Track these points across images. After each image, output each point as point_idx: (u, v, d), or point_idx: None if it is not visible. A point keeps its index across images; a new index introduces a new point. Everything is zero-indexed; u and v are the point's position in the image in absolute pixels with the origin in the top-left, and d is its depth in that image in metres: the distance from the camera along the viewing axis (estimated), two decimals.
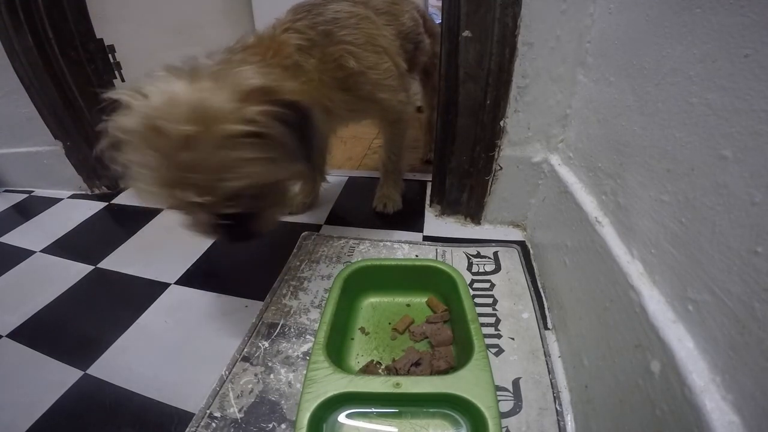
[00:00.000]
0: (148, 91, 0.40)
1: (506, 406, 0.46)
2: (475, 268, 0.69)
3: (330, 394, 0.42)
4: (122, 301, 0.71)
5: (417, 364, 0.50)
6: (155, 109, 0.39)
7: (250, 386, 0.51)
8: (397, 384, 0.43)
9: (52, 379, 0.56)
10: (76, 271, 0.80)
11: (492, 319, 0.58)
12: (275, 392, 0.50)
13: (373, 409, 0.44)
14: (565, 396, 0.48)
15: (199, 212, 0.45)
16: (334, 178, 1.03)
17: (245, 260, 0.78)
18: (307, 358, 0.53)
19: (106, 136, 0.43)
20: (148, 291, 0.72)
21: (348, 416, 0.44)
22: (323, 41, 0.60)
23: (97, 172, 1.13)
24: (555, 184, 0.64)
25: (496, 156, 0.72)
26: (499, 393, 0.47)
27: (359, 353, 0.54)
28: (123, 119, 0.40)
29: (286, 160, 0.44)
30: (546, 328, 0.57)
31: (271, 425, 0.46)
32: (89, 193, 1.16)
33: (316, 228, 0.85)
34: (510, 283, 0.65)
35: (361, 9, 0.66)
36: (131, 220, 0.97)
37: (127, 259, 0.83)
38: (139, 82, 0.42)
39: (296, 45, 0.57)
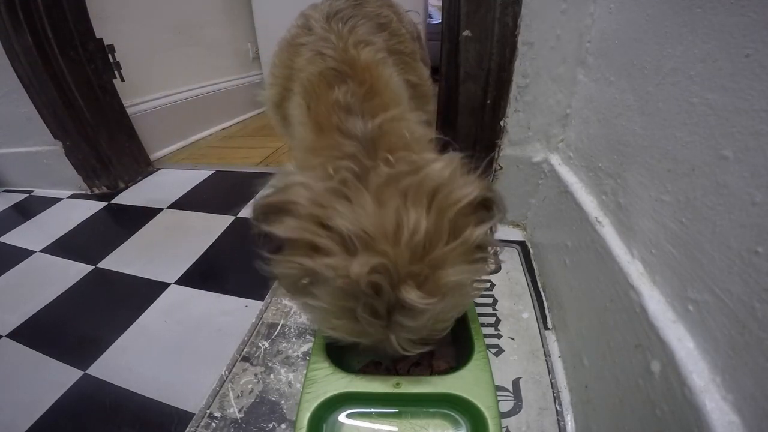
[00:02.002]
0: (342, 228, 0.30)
1: (506, 406, 0.46)
2: None
3: (330, 394, 0.42)
4: (122, 301, 0.71)
5: (417, 364, 0.50)
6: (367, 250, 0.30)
7: (250, 386, 0.51)
8: (397, 384, 0.43)
9: (52, 379, 0.56)
10: (76, 271, 0.80)
11: (492, 319, 0.58)
12: (275, 392, 0.50)
13: (373, 409, 0.44)
14: (565, 396, 0.48)
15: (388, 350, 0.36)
16: None
17: (245, 260, 0.78)
18: (307, 358, 0.53)
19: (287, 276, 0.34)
20: (148, 291, 0.71)
21: (348, 416, 0.44)
22: (388, 51, 0.51)
23: (96, 171, 1.13)
24: (555, 183, 0.64)
25: (496, 156, 0.72)
26: (499, 393, 0.47)
27: (359, 353, 0.54)
28: (336, 261, 0.31)
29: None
30: (546, 328, 0.57)
31: (271, 425, 0.46)
32: (89, 193, 1.16)
33: None
34: (510, 283, 0.65)
35: (387, 10, 0.59)
36: (131, 220, 0.97)
37: (126, 259, 0.83)
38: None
39: (378, 64, 0.46)
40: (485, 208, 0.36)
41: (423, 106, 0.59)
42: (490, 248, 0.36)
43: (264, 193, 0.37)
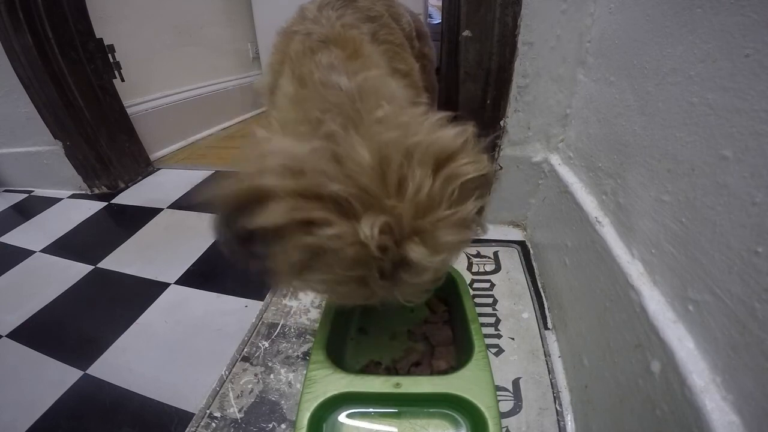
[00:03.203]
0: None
1: (506, 406, 0.46)
2: (475, 268, 0.69)
3: (330, 394, 0.42)
4: (122, 301, 0.71)
5: (417, 364, 0.50)
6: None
7: (250, 386, 0.51)
8: (397, 384, 0.43)
9: (52, 379, 0.56)
10: (76, 271, 0.80)
11: (492, 319, 0.58)
12: (275, 392, 0.50)
13: (373, 409, 0.44)
14: (565, 396, 0.48)
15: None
16: None
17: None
18: (307, 358, 0.53)
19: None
20: (148, 291, 0.71)
21: (348, 416, 0.44)
22: (374, 38, 0.52)
23: (96, 171, 1.13)
24: (555, 183, 0.64)
25: (496, 156, 0.72)
26: (499, 393, 0.47)
27: (359, 353, 0.54)
28: (339, 228, 0.28)
29: None
30: (546, 328, 0.57)
31: (271, 425, 0.46)
32: (89, 192, 1.16)
33: None
34: (510, 283, 0.65)
35: (381, 7, 0.60)
36: (131, 220, 0.97)
37: (126, 259, 0.83)
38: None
39: (363, 39, 0.46)
40: (484, 186, 0.35)
41: (413, 97, 0.60)
42: (477, 226, 0.35)
43: (226, 184, 0.31)
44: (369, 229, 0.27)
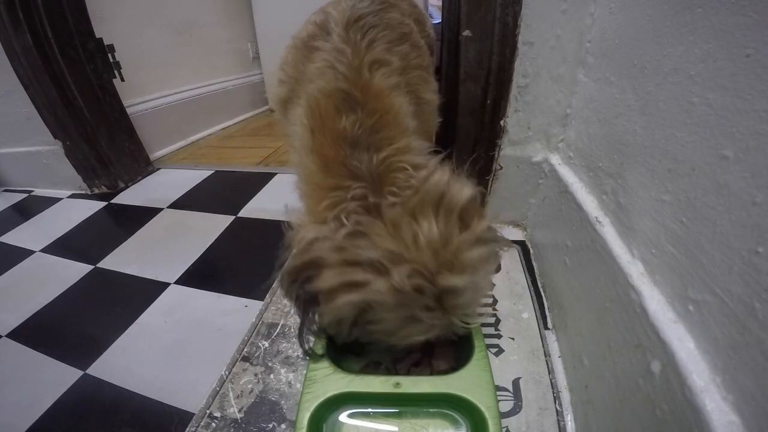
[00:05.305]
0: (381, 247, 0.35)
1: (506, 406, 0.46)
2: None
3: (330, 394, 0.42)
4: (122, 301, 0.71)
5: (417, 364, 0.49)
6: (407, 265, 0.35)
7: (250, 386, 0.51)
8: (397, 384, 0.43)
9: (52, 379, 0.56)
10: (76, 271, 0.80)
11: (492, 319, 0.58)
12: (275, 392, 0.50)
13: (373, 409, 0.44)
14: (565, 396, 0.48)
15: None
16: None
17: (245, 260, 0.78)
18: (307, 358, 0.53)
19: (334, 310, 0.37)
20: (148, 291, 0.71)
21: (348, 416, 0.44)
22: (404, 70, 0.50)
23: (96, 171, 1.13)
24: (555, 183, 0.64)
25: (496, 155, 0.72)
26: (499, 393, 0.47)
27: (359, 353, 0.54)
28: (378, 283, 0.35)
29: None
30: (546, 328, 0.57)
31: (271, 425, 0.46)
32: (89, 192, 1.16)
33: None
34: (510, 283, 0.65)
35: (409, 18, 0.57)
36: (131, 220, 0.97)
37: (126, 258, 0.83)
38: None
39: (393, 103, 0.46)
40: (478, 206, 0.41)
41: (432, 121, 0.62)
42: (496, 239, 0.40)
43: (286, 260, 0.41)
44: (398, 277, 0.34)
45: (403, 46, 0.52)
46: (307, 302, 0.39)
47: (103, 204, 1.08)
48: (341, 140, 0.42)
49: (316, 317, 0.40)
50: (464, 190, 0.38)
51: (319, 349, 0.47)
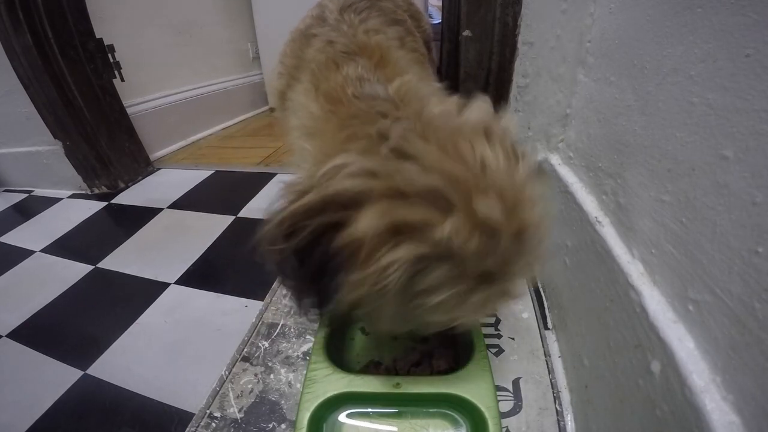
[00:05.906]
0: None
1: (506, 406, 0.46)
2: None
3: (330, 394, 0.42)
4: (122, 301, 0.71)
5: (417, 364, 0.49)
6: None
7: (250, 386, 0.51)
8: (397, 384, 0.43)
9: (52, 379, 0.56)
10: (76, 271, 0.80)
11: (492, 319, 0.58)
12: (275, 392, 0.50)
13: (373, 409, 0.44)
14: (565, 396, 0.48)
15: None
16: None
17: (245, 260, 0.78)
18: (307, 358, 0.53)
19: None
20: (148, 291, 0.71)
21: (348, 416, 0.44)
22: (402, 44, 0.50)
23: (96, 171, 1.13)
24: (555, 183, 0.64)
25: None
26: (499, 393, 0.47)
27: (359, 353, 0.54)
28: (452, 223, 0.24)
29: None
30: (546, 328, 0.57)
31: (271, 425, 0.46)
32: (89, 192, 1.16)
33: None
34: None
35: (403, 12, 0.58)
36: (131, 220, 0.97)
37: (126, 259, 0.83)
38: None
39: (390, 45, 0.45)
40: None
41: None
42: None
43: (276, 205, 0.28)
44: (487, 208, 0.24)
45: (397, 27, 0.52)
46: (324, 270, 0.26)
47: (103, 204, 1.08)
48: (346, 80, 0.38)
49: (338, 293, 0.27)
50: (507, 121, 0.31)
51: (320, 352, 0.47)
